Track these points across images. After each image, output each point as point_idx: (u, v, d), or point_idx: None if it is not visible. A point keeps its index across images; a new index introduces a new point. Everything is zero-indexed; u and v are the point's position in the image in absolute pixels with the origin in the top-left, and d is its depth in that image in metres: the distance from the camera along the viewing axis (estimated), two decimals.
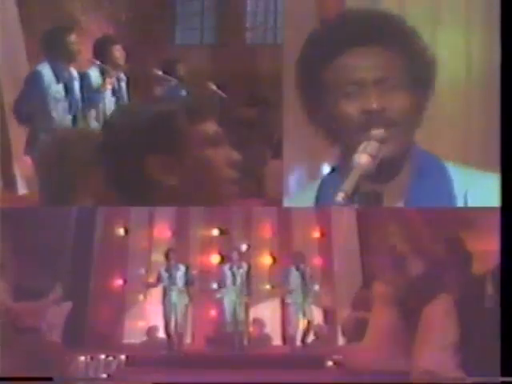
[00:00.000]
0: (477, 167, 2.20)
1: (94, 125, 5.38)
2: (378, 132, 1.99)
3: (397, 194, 2.11)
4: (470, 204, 2.07)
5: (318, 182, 2.25)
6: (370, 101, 1.98)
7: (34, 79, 4.98)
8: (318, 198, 2.20)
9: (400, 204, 2.11)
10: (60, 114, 5.05)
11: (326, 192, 2.17)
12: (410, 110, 2.04)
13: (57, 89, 4.99)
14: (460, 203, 2.08)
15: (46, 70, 4.99)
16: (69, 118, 5.12)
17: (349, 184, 1.89)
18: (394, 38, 2.04)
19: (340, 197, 1.86)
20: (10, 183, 6.62)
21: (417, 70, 2.07)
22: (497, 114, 3.22)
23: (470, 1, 4.37)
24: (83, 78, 5.33)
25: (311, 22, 4.98)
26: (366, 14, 2.08)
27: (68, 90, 5.01)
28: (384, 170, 2.02)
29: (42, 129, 4.95)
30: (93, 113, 5.37)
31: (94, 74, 5.35)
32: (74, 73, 5.15)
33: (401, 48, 2.04)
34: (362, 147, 1.96)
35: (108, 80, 5.31)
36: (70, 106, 5.12)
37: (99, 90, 5.29)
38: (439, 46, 4.34)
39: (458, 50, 4.43)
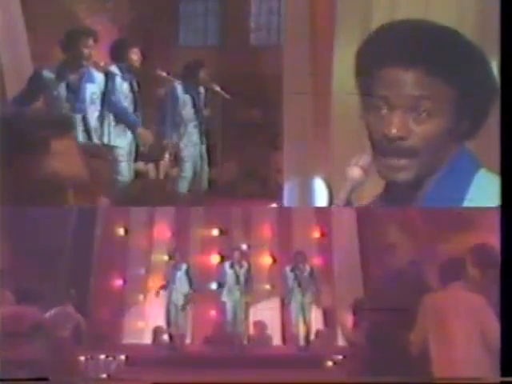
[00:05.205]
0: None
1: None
2: (395, 162, 1.86)
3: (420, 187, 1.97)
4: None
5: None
6: (391, 126, 1.84)
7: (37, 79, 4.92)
8: None
9: (419, 195, 2.02)
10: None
11: None
12: (442, 140, 1.86)
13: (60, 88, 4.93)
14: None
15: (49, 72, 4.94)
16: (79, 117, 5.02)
17: (341, 197, 1.91)
18: (447, 61, 1.84)
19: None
20: None
21: (469, 99, 1.88)
22: (496, 113, 3.22)
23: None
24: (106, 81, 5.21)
25: (310, 23, 5.00)
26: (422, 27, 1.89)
27: (74, 91, 4.95)
28: (400, 191, 1.93)
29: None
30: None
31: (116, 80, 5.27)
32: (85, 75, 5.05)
33: (452, 74, 1.84)
34: (354, 160, 1.93)
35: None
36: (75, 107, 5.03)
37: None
38: None
39: None
